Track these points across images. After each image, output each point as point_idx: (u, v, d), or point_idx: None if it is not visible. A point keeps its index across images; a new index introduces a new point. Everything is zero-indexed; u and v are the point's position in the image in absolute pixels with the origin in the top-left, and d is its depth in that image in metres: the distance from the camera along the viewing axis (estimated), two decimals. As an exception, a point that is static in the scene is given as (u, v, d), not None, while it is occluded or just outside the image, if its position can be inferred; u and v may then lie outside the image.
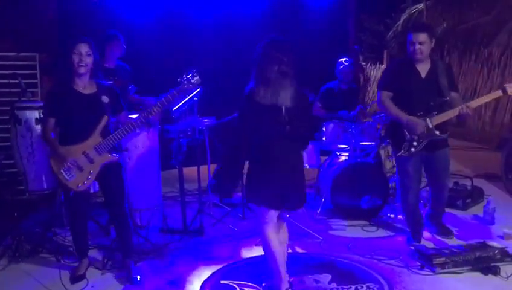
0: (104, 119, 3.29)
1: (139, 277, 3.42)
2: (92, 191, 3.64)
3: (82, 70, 3.22)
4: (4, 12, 5.14)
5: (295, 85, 2.92)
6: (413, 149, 3.78)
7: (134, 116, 3.49)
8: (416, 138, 3.76)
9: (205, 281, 3.44)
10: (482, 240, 3.83)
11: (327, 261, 3.72)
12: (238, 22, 6.84)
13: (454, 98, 3.81)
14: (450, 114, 3.76)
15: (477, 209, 4.85)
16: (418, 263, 3.58)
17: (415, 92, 3.79)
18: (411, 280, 3.40)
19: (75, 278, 3.44)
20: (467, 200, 4.98)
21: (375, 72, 9.63)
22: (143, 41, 5.97)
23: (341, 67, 5.34)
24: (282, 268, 3.05)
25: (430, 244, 3.94)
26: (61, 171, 3.23)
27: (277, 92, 2.88)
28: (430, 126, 3.75)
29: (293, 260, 3.41)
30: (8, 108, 4.21)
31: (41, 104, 3.88)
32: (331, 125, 4.95)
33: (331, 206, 4.80)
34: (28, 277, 3.52)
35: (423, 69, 3.82)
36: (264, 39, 2.97)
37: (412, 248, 3.82)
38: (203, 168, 4.85)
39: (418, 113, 3.76)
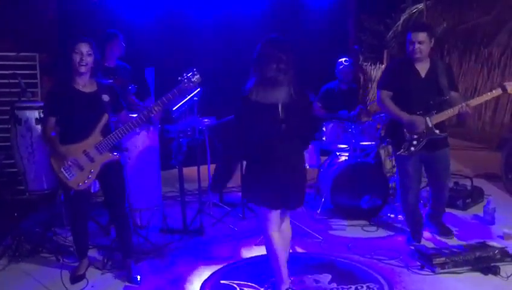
0: (105, 118, 3.28)
1: (139, 277, 3.42)
2: (92, 191, 3.63)
3: (83, 69, 3.22)
4: (4, 12, 5.14)
5: (295, 84, 2.91)
6: (413, 148, 3.79)
7: (134, 115, 3.49)
8: (416, 137, 3.77)
9: (205, 281, 3.44)
10: (482, 240, 3.83)
11: (327, 261, 3.72)
12: (238, 22, 6.84)
13: (454, 98, 3.81)
14: (449, 113, 3.76)
15: (477, 209, 4.86)
16: (418, 263, 3.58)
17: (414, 91, 3.79)
18: (411, 280, 3.40)
19: (75, 278, 3.43)
20: (467, 200, 4.98)
21: (375, 72, 9.63)
22: (143, 41, 5.97)
23: (341, 67, 5.35)
24: (284, 268, 3.04)
25: (430, 244, 3.94)
26: (62, 170, 3.22)
27: (274, 91, 2.87)
28: (430, 125, 3.75)
29: (293, 259, 3.40)
30: (8, 108, 4.19)
31: (41, 104, 3.87)
32: (331, 125, 4.95)
33: (331, 206, 4.80)
34: (28, 277, 3.52)
35: (422, 68, 3.83)
36: (264, 38, 2.97)
37: (412, 247, 3.82)
38: (203, 168, 4.84)
39: (418, 112, 3.76)
